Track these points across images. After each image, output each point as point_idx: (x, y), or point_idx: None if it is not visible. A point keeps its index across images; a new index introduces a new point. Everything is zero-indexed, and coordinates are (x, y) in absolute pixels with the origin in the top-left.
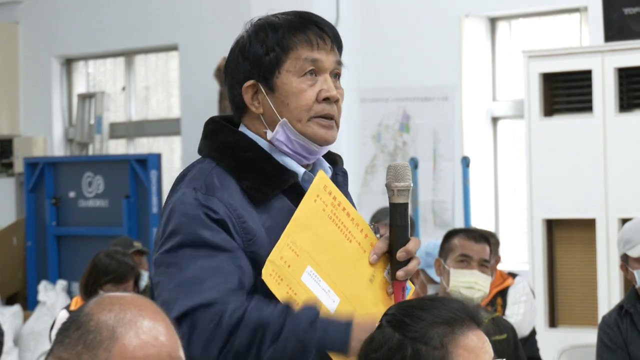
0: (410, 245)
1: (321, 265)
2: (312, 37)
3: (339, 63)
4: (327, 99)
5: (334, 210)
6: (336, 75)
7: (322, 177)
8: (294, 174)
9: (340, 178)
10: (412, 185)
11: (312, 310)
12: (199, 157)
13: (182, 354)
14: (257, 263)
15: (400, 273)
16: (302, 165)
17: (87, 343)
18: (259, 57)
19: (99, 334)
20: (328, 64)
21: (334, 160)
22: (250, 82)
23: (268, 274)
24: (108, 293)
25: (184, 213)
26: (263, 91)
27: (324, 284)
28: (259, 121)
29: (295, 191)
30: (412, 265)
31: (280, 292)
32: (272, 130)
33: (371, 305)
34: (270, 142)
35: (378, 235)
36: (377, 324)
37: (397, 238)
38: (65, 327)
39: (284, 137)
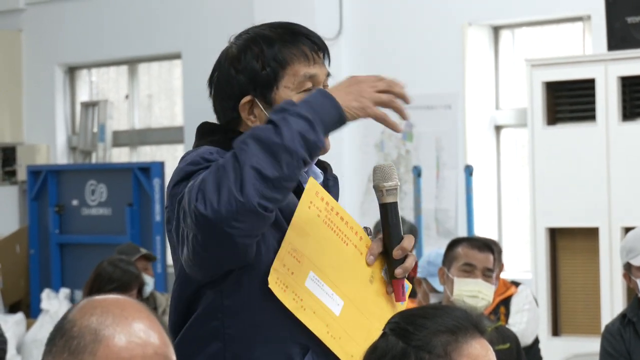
0: (405, 243)
1: (322, 270)
2: (308, 52)
3: (329, 75)
4: None
5: (328, 215)
6: (324, 87)
7: (313, 184)
8: None
9: (330, 183)
10: (399, 183)
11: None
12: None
13: (170, 351)
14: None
15: (398, 271)
16: None
17: (72, 349)
18: (255, 72)
19: (82, 339)
20: (322, 77)
21: (323, 167)
22: (248, 98)
23: (274, 282)
24: (91, 297)
25: (198, 167)
26: (260, 106)
27: (327, 288)
28: None
29: (295, 191)
30: (409, 262)
31: (286, 299)
32: None
33: (373, 305)
34: None
35: (371, 237)
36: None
37: (391, 237)
38: (52, 336)
39: None
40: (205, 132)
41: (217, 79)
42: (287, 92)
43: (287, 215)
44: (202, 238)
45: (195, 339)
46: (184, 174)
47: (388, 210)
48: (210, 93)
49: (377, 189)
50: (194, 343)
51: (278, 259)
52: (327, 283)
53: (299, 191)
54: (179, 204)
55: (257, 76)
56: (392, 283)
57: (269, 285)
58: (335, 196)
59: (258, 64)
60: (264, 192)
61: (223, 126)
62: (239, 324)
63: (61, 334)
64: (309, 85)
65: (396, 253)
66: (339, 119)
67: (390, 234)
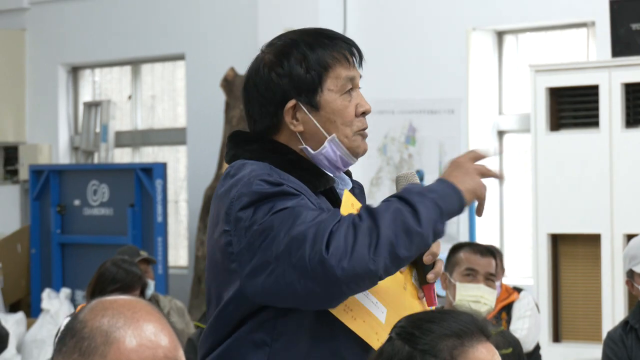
0: (434, 248)
1: None
2: (348, 55)
3: (360, 77)
4: (363, 113)
5: None
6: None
7: (348, 196)
8: (331, 178)
9: (357, 191)
10: None
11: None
12: (228, 164)
13: (180, 353)
14: None
15: (430, 276)
16: None
17: (82, 350)
18: (299, 76)
19: (93, 340)
20: (358, 79)
21: (347, 173)
22: (292, 102)
23: None
24: (102, 298)
25: (266, 191)
26: (304, 110)
27: (372, 297)
28: (294, 138)
29: (329, 195)
30: (439, 267)
31: (338, 311)
32: (310, 146)
33: (409, 312)
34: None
35: None
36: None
37: None
38: (63, 336)
39: (331, 152)
40: (239, 141)
41: (254, 85)
42: (332, 94)
43: None
44: (312, 286)
45: (238, 351)
46: (251, 200)
47: None
48: (245, 101)
49: None
50: (236, 356)
51: None
52: (371, 292)
53: (334, 198)
54: (249, 230)
55: (302, 80)
56: (422, 288)
57: None
58: (363, 203)
59: (302, 68)
60: (388, 267)
61: (258, 134)
62: (288, 338)
63: (72, 334)
64: (349, 87)
65: (427, 259)
66: (459, 209)
67: None
